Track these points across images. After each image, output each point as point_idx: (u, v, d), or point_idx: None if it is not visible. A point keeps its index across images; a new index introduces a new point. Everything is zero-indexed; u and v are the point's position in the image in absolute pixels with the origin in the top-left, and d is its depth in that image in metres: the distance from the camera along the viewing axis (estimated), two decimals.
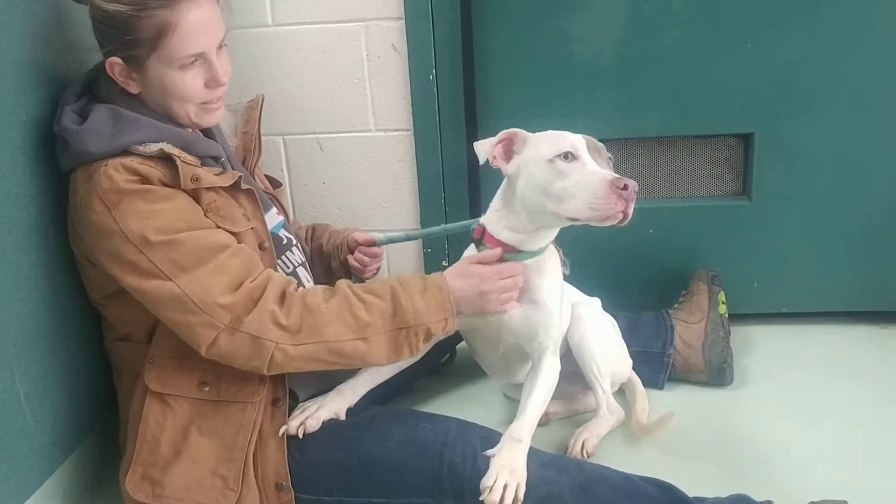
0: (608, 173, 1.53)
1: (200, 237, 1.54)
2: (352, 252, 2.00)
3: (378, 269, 2.03)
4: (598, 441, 1.89)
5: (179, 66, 1.56)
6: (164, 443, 1.59)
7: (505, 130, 1.66)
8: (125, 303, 1.60)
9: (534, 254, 1.69)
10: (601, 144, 1.63)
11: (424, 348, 1.64)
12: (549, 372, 1.73)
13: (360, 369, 1.73)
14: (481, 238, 1.71)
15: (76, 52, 1.74)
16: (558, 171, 1.56)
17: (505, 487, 1.48)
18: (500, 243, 1.68)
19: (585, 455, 1.85)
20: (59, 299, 1.69)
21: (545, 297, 1.72)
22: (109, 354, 1.75)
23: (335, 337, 1.55)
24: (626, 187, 1.49)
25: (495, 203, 1.72)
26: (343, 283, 1.62)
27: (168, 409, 1.60)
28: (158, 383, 1.61)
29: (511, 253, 1.67)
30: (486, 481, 1.48)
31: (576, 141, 1.59)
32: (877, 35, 2.20)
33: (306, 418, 1.63)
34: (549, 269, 1.74)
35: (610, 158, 1.63)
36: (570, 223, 1.61)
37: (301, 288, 1.63)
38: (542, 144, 1.61)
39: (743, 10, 2.22)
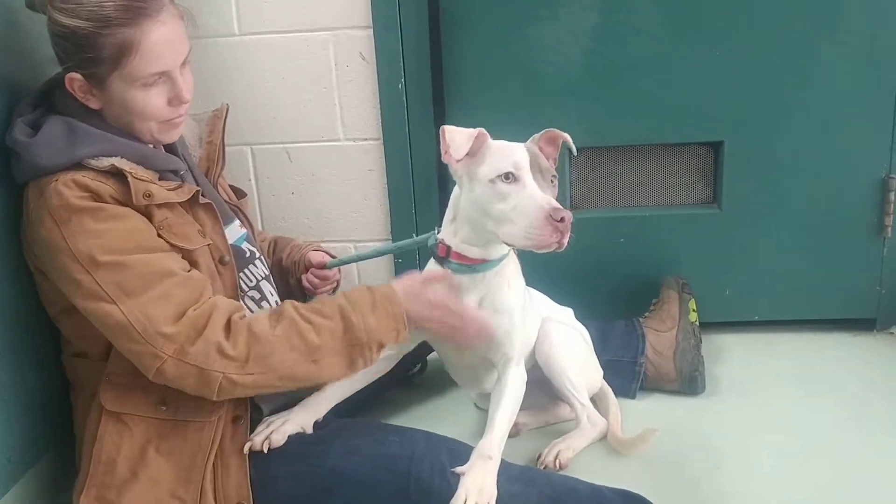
0: (546, 201, 1.50)
1: (148, 261, 1.50)
2: (307, 271, 1.98)
3: (333, 289, 2.01)
4: (573, 454, 1.87)
5: (142, 85, 1.52)
6: (120, 464, 1.55)
7: (480, 129, 1.63)
8: (79, 319, 1.56)
9: (497, 262, 1.68)
10: (547, 164, 1.61)
11: (378, 358, 1.61)
12: (515, 383, 1.71)
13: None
14: (447, 255, 1.69)
15: (32, 61, 1.69)
16: (498, 192, 1.54)
17: None
18: (468, 259, 1.66)
19: (558, 466, 1.83)
20: (16, 313, 1.65)
21: (507, 304, 1.70)
22: (66, 370, 1.71)
23: (284, 364, 1.52)
24: (562, 220, 1.47)
25: (448, 215, 1.71)
26: (289, 305, 1.58)
27: (125, 429, 1.56)
28: (115, 402, 1.57)
29: (477, 264, 1.66)
30: (455, 502, 1.46)
31: (520, 160, 1.56)
32: (845, 43, 2.21)
33: (271, 432, 1.60)
34: (510, 276, 1.72)
35: (554, 177, 1.60)
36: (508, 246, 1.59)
37: (248, 314, 1.60)
38: (488, 160, 1.59)
39: (711, 20, 2.22)
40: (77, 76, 1.52)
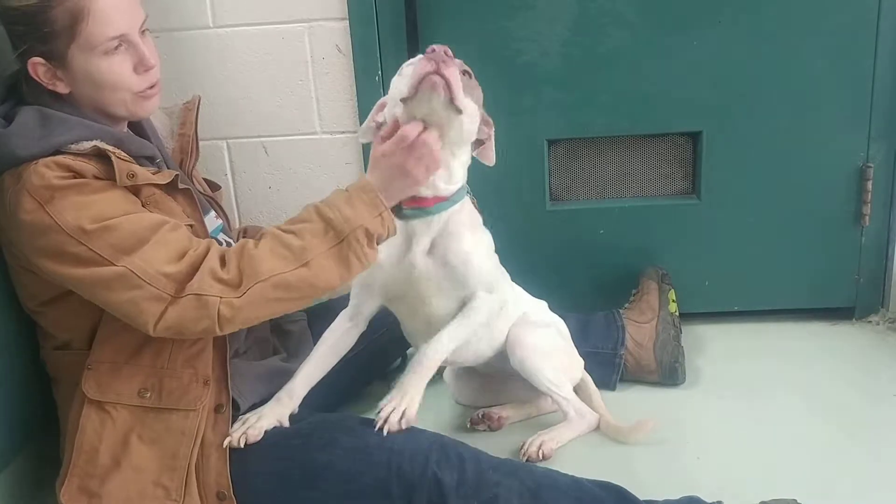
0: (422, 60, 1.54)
1: (136, 219, 1.50)
2: None
3: None
4: (558, 445, 1.86)
5: (103, 53, 1.53)
6: (102, 452, 1.54)
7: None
8: (64, 308, 1.56)
9: (451, 202, 1.66)
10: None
11: (374, 254, 1.57)
12: (480, 305, 1.70)
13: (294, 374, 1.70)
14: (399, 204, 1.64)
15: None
16: (402, 76, 1.59)
17: (397, 411, 1.56)
18: (421, 201, 1.64)
19: (541, 456, 1.82)
20: None
21: (465, 248, 1.68)
22: (47, 364, 1.70)
23: (273, 271, 1.49)
24: (433, 51, 1.52)
25: None
26: (269, 227, 1.59)
27: (107, 418, 1.55)
28: (97, 391, 1.56)
29: (430, 206, 1.65)
30: (382, 402, 1.58)
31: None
32: (821, 33, 2.21)
33: (247, 429, 1.59)
34: (469, 223, 1.71)
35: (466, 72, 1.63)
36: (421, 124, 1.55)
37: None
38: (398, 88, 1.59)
39: (688, 9, 2.22)
40: (39, 60, 1.52)
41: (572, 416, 1.89)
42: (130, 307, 1.48)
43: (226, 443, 1.57)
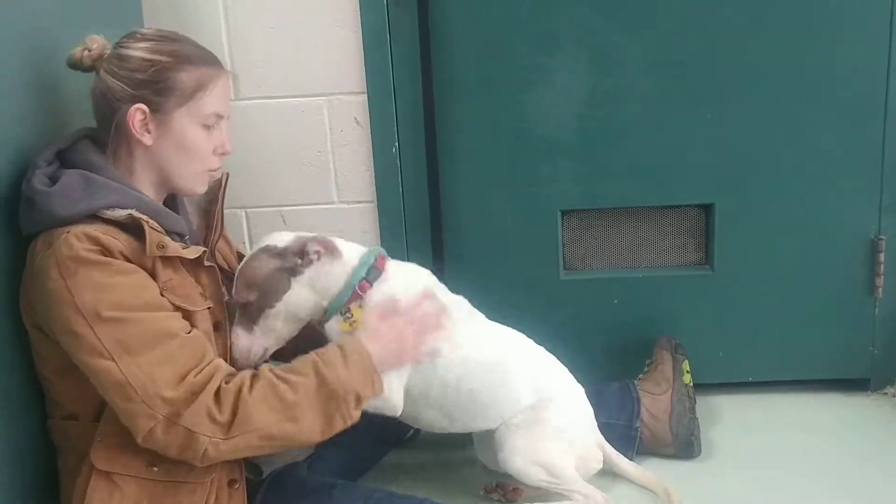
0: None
1: (152, 320, 1.51)
2: None
3: None
4: None
5: (201, 124, 1.64)
6: None
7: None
8: (76, 378, 1.55)
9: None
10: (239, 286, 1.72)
11: (358, 414, 1.61)
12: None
13: None
14: None
15: (52, 119, 1.75)
16: None
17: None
18: None
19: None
20: (7, 376, 1.62)
21: None
22: (52, 434, 1.68)
23: (263, 424, 1.52)
24: None
25: None
26: (265, 368, 1.59)
27: (115, 489, 1.54)
28: (106, 461, 1.55)
29: None
30: None
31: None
32: (832, 105, 2.24)
33: None
34: None
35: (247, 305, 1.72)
36: None
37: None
38: None
39: (702, 83, 2.26)
40: (143, 107, 1.59)
41: (579, 500, 1.82)
42: (123, 414, 1.50)
43: None
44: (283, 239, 1.75)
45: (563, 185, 2.36)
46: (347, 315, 1.72)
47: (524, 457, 1.81)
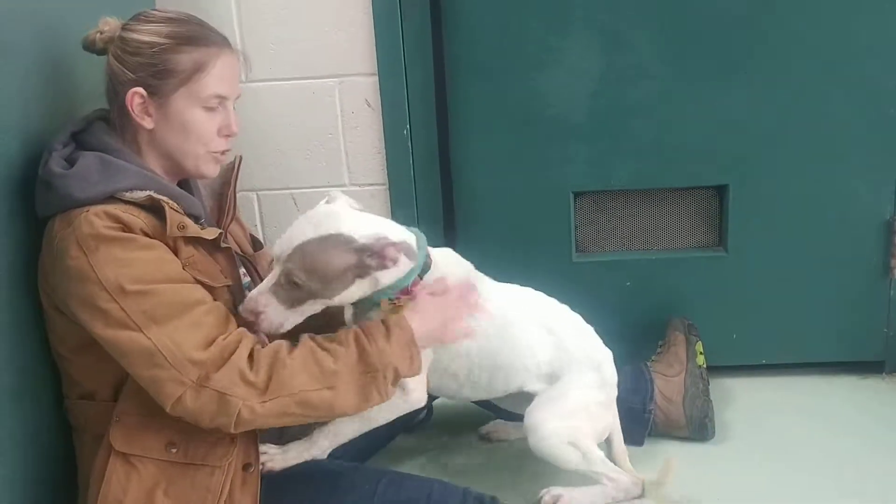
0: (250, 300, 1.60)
1: (176, 290, 1.51)
2: None
3: None
4: None
5: (204, 106, 1.62)
6: None
7: None
8: (93, 356, 1.55)
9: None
10: (291, 266, 1.58)
11: (394, 391, 1.61)
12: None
13: None
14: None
15: (65, 102, 1.75)
16: None
17: None
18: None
19: None
20: (23, 356, 1.62)
21: None
22: (70, 414, 1.69)
23: (301, 388, 1.51)
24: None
25: None
26: (306, 337, 1.59)
27: (133, 471, 1.54)
28: (124, 442, 1.55)
29: None
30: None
31: (277, 247, 1.61)
32: (848, 85, 2.22)
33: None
34: None
35: (296, 285, 1.59)
36: None
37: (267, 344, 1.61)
38: None
39: (714, 64, 2.24)
40: (141, 91, 1.58)
41: (606, 483, 1.82)
42: (151, 383, 1.49)
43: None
44: (360, 230, 1.61)
45: (576, 166, 2.35)
46: (395, 302, 1.68)
47: (558, 438, 1.80)
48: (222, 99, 1.65)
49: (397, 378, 1.59)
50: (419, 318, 1.64)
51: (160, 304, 1.48)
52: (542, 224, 2.40)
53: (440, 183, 2.35)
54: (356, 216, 1.67)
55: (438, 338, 1.68)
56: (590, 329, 1.95)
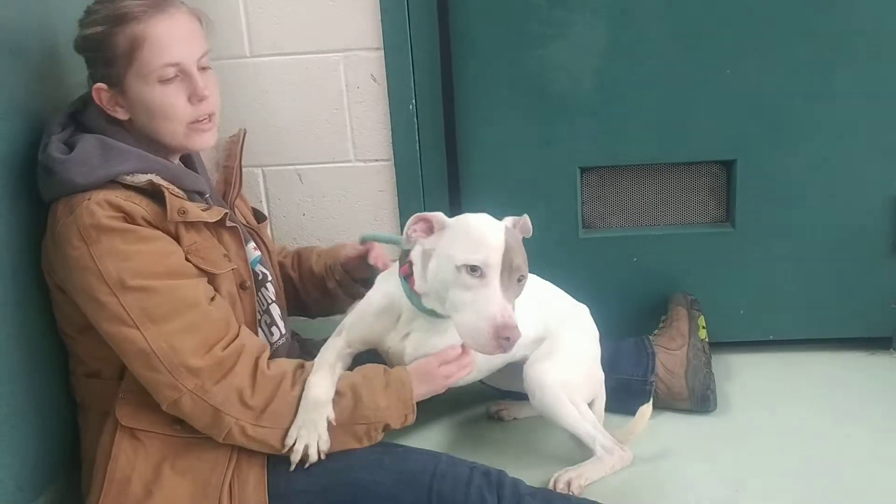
0: (501, 312, 1.46)
1: (175, 288, 1.52)
2: (347, 270, 1.99)
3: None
4: (587, 483, 1.80)
5: (158, 81, 1.56)
6: (134, 482, 1.54)
7: (418, 214, 1.60)
8: (97, 337, 1.56)
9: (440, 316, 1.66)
10: (520, 261, 1.54)
11: (382, 438, 1.65)
12: None
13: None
14: (408, 277, 1.68)
15: (62, 84, 1.75)
16: (461, 280, 1.50)
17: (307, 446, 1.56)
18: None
19: (571, 494, 1.77)
20: (29, 334, 1.64)
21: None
22: (76, 391, 1.71)
23: (291, 424, 1.56)
24: (508, 339, 1.45)
25: (415, 258, 1.67)
26: (309, 366, 1.62)
27: (139, 446, 1.56)
28: (131, 418, 1.58)
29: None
30: (288, 440, 1.55)
31: (489, 256, 1.49)
32: (856, 61, 2.20)
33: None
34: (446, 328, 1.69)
35: (522, 278, 1.54)
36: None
37: (273, 359, 1.62)
38: (458, 242, 1.54)
39: (722, 38, 2.22)
40: (103, 86, 1.57)
41: (599, 453, 1.84)
42: (146, 381, 1.52)
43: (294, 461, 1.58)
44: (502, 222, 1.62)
45: (583, 141, 2.34)
46: None
47: (561, 397, 1.83)
48: (176, 65, 1.57)
49: (387, 431, 1.63)
50: (421, 379, 1.66)
51: (160, 303, 1.50)
52: (549, 200, 2.38)
53: (446, 158, 2.34)
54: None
55: (432, 390, 1.70)
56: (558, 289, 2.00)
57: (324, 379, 1.60)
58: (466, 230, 1.56)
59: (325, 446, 1.57)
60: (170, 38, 1.55)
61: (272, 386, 1.54)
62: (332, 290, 2.00)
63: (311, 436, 1.57)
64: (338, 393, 1.59)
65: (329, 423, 1.57)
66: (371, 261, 1.95)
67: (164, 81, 1.56)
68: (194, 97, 1.59)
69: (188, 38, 1.59)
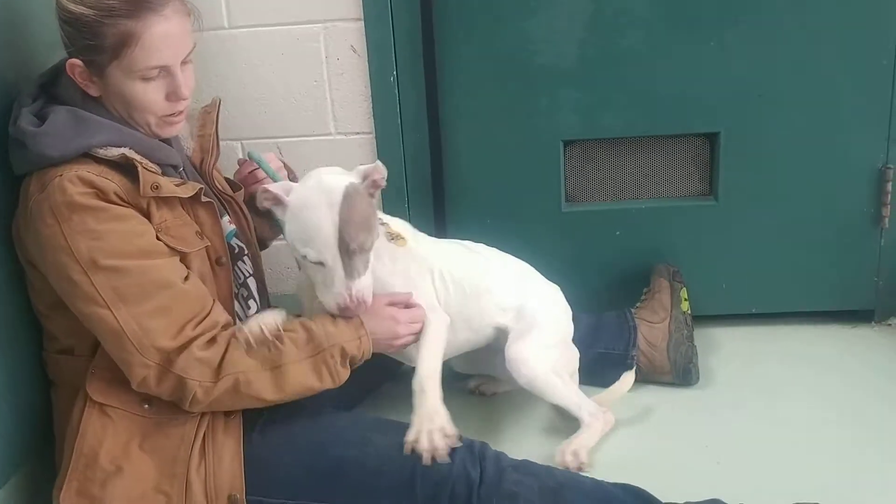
0: (343, 294, 1.58)
1: (147, 269, 1.50)
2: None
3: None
4: (588, 451, 1.81)
5: (141, 78, 1.54)
6: (102, 457, 1.53)
7: (264, 187, 1.62)
8: (70, 314, 1.55)
9: None
10: (360, 237, 1.58)
11: (346, 373, 1.62)
12: (433, 327, 1.74)
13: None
14: None
15: (29, 51, 1.70)
16: (306, 265, 1.62)
17: (431, 433, 1.54)
18: None
19: (579, 464, 1.79)
20: (2, 311, 1.62)
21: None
22: (48, 367, 1.69)
23: (246, 367, 1.53)
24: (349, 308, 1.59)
25: None
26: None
27: (108, 422, 1.55)
28: (101, 394, 1.56)
29: None
30: (409, 436, 1.54)
31: (322, 251, 1.56)
32: (840, 33, 2.19)
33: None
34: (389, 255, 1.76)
35: (364, 249, 1.60)
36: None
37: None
38: (293, 228, 1.60)
39: (705, 10, 2.20)
40: (78, 62, 1.53)
41: (587, 420, 1.86)
42: (118, 360, 1.52)
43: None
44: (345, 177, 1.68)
45: (565, 114, 2.32)
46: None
47: (546, 372, 1.85)
48: (162, 67, 1.55)
49: (345, 358, 1.60)
50: (371, 318, 1.65)
51: (131, 284, 1.48)
52: (532, 173, 2.37)
53: (427, 131, 2.32)
54: (329, 171, 1.70)
55: (383, 347, 1.69)
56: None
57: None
58: (300, 212, 1.59)
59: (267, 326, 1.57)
60: (162, 42, 1.53)
61: (225, 342, 1.54)
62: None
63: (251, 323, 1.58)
64: (288, 329, 1.58)
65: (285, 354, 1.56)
66: (235, 178, 1.96)
67: (147, 79, 1.55)
68: (173, 96, 1.59)
69: (178, 39, 1.56)
